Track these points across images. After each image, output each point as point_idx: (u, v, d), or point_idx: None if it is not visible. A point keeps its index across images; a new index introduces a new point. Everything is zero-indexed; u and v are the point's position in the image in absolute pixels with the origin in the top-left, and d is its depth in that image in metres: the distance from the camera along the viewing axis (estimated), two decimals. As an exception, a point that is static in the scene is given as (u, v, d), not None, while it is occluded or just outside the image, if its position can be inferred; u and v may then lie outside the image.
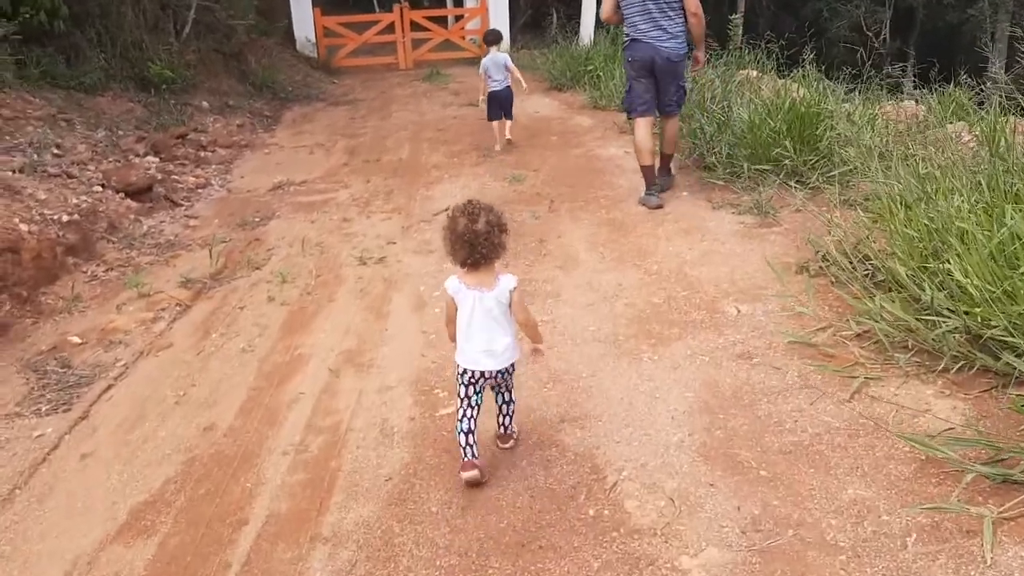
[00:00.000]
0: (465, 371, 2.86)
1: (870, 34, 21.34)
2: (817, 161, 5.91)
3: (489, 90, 8.49)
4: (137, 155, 8.01)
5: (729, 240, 5.12)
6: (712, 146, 6.64)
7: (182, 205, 7.05)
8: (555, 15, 21.16)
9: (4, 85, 7.97)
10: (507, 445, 3.12)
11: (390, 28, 17.61)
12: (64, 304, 4.83)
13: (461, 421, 2.88)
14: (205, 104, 11.21)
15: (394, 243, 5.77)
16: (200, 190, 7.62)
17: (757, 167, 6.03)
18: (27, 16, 8.63)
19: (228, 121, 10.73)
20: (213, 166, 8.59)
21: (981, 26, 20.23)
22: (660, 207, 5.90)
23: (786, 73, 12.07)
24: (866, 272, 4.11)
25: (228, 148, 9.43)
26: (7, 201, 5.32)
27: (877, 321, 3.54)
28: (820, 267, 4.41)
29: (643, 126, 5.96)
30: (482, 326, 2.81)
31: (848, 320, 3.74)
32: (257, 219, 6.59)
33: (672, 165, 6.60)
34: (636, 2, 5.67)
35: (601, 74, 11.75)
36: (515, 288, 2.81)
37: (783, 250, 4.85)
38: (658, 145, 6.41)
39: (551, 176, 7.27)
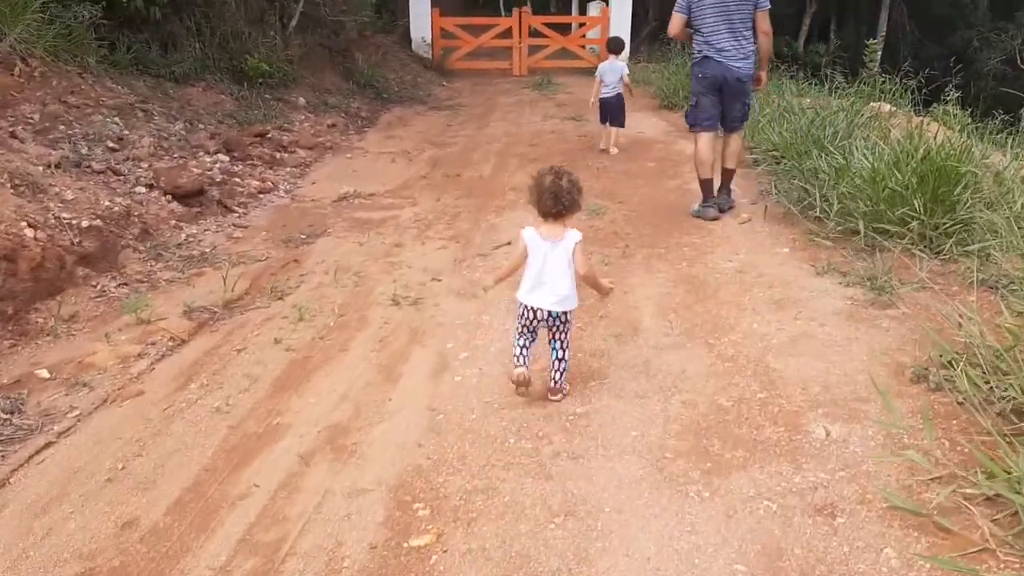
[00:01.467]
0: (527, 309, 3.28)
1: (1025, 68, 19.32)
2: (953, 227, 4.75)
3: (601, 95, 8.58)
4: (208, 152, 7.50)
5: (830, 321, 4.06)
6: (825, 194, 5.54)
7: (235, 212, 6.45)
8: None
9: (85, 71, 7.57)
10: (556, 398, 3.39)
11: (508, 33, 16.90)
12: (54, 325, 4.22)
13: (518, 341, 3.33)
14: (302, 101, 10.71)
15: (439, 279, 4.95)
16: (262, 196, 7.01)
17: (876, 226, 4.92)
18: (124, 2, 8.27)
19: (319, 120, 10.19)
20: (288, 168, 8.00)
21: None
22: (717, 219, 5.90)
23: (924, 110, 10.70)
24: (1006, 396, 3.01)
25: (310, 149, 8.85)
26: (23, 201, 4.78)
27: (1019, 490, 2.48)
28: (944, 377, 3.32)
29: (705, 140, 5.91)
30: (549, 273, 3.23)
31: (977, 472, 2.68)
32: (305, 235, 5.90)
33: (733, 187, 6.32)
34: (710, 19, 5.50)
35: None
36: (579, 241, 3.24)
37: (897, 343, 3.76)
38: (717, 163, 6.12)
39: (636, 210, 6.31)
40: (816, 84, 14.44)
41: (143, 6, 8.53)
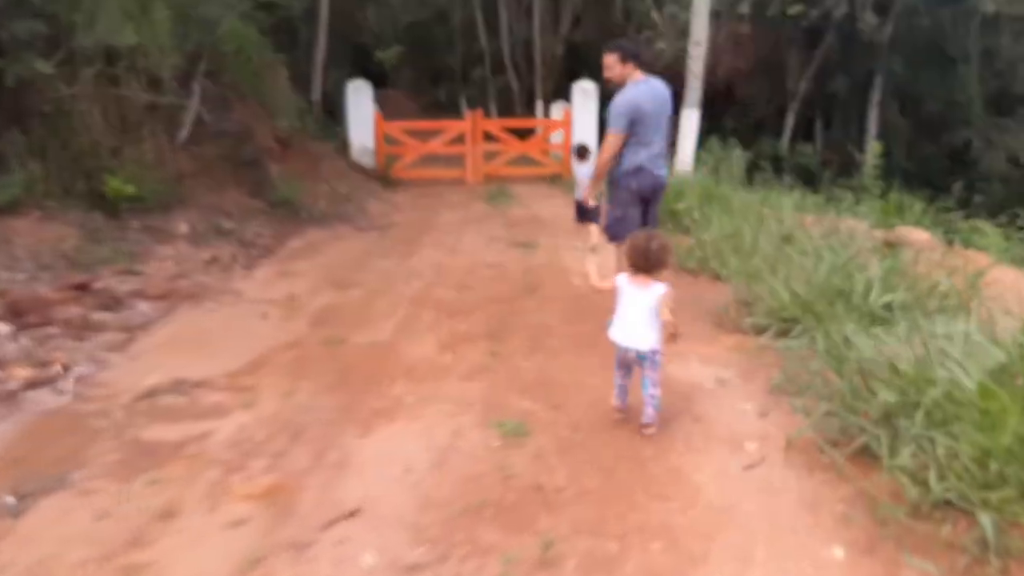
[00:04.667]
0: (617, 346, 3.81)
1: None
2: None
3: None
4: (-24, 321, 5.13)
5: None
6: (892, 422, 3.18)
7: (-50, 433, 4.02)
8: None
9: None
10: (648, 432, 3.80)
11: (462, 138, 14.89)
12: None
13: (617, 378, 3.93)
14: (184, 228, 8.42)
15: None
16: (29, 392, 4.61)
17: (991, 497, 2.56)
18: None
19: (196, 253, 7.87)
20: (105, 337, 5.59)
21: None
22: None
23: (951, 232, 8.65)
24: None
25: (160, 300, 6.47)
26: None
27: None
28: None
29: None
30: (635, 315, 3.75)
31: None
32: (26, 492, 3.47)
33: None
34: (651, 130, 5.24)
35: (697, 216, 8.48)
36: (664, 293, 3.72)
37: None
38: None
39: (579, 431, 3.93)
40: (807, 187, 12.41)
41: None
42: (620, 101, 5.12)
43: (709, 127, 15.05)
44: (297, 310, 6.41)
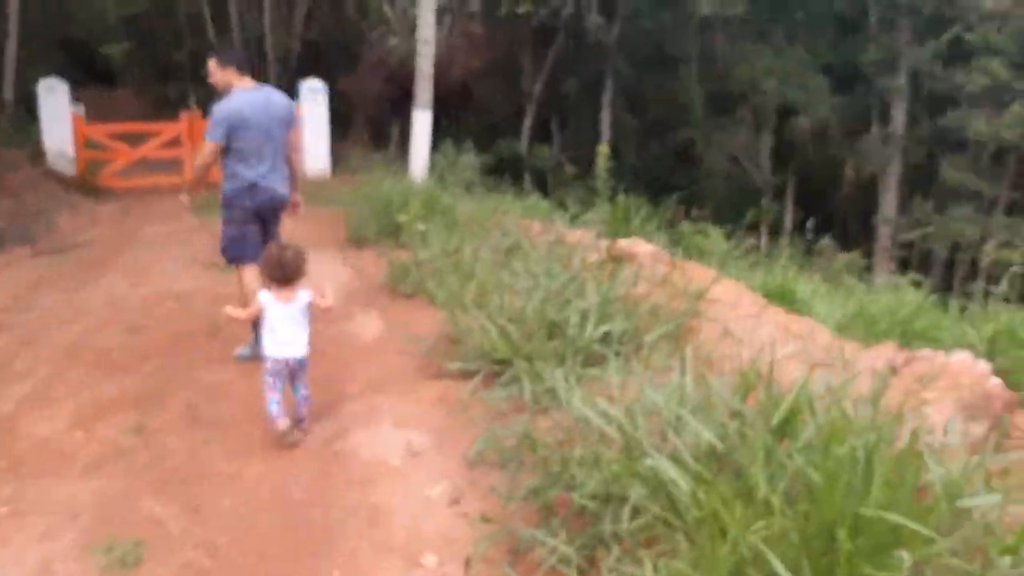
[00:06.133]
0: (276, 359, 3.75)
1: (748, 166, 18.55)
2: None
3: None
4: None
5: None
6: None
7: None
8: (397, 130, 17.38)
9: None
10: (303, 427, 3.81)
11: (179, 140, 13.18)
12: None
13: (271, 398, 3.73)
14: None
15: None
16: None
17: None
18: None
19: None
20: None
21: (870, 158, 17.61)
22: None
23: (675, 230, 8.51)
24: None
25: None
26: None
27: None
28: None
29: (253, 273, 4.85)
30: (289, 327, 3.75)
31: None
32: None
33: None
34: (256, 143, 4.80)
35: (423, 228, 7.64)
36: (310, 299, 3.81)
37: None
38: None
39: (213, 548, 2.90)
40: (545, 190, 12.09)
41: None
42: (219, 109, 4.79)
43: (447, 129, 14.44)
44: None
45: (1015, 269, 6.11)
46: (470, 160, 11.38)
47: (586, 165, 15.70)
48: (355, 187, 10.92)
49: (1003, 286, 5.51)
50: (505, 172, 15.97)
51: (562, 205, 9.25)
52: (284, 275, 3.76)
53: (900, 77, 17.75)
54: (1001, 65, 15.60)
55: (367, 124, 18.31)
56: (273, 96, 5.00)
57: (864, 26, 17.91)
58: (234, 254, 5.08)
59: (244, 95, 4.85)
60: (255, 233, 4.99)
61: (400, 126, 15.93)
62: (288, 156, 5.10)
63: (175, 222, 10.35)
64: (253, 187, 4.89)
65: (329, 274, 7.16)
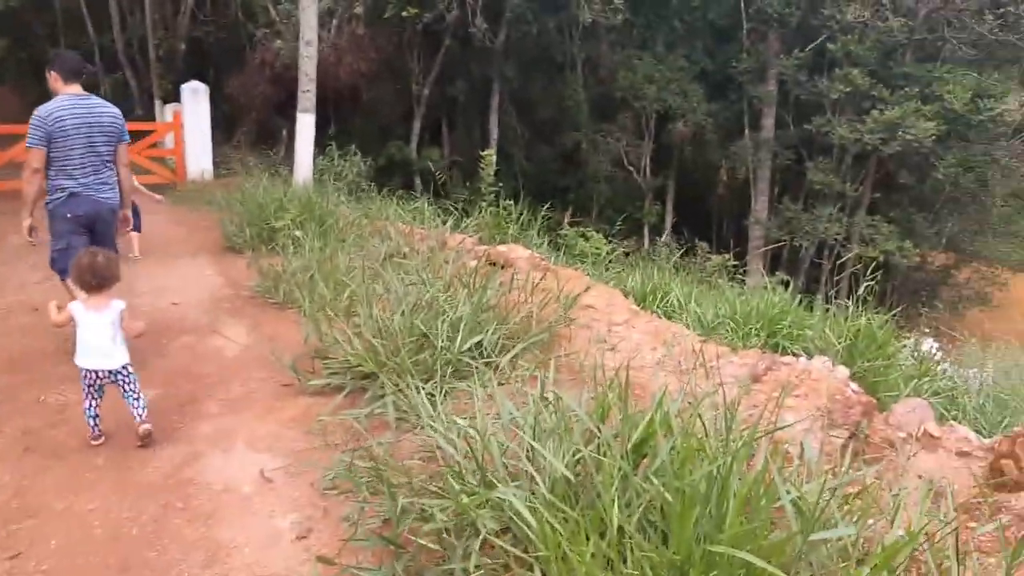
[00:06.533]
0: (86, 370, 3.60)
1: (631, 169, 18.81)
2: None
3: None
4: None
5: None
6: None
7: None
8: (286, 133, 16.77)
9: None
10: (147, 427, 3.64)
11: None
12: None
13: (86, 409, 3.65)
14: None
15: None
16: None
17: None
18: None
19: None
20: None
21: (743, 162, 18.14)
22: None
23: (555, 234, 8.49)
24: None
25: None
26: None
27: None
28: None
29: None
30: (98, 337, 3.59)
31: None
32: None
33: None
34: (78, 151, 4.74)
35: (299, 234, 7.33)
36: (123, 308, 3.66)
37: None
38: None
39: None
40: (434, 193, 11.87)
41: None
42: (36, 114, 4.68)
43: (336, 132, 14.04)
44: None
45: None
46: (357, 163, 11.05)
47: (476, 168, 15.60)
48: (234, 190, 10.45)
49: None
50: (395, 175, 15.67)
51: (448, 209, 9.08)
52: (95, 281, 3.61)
53: (770, 85, 18.49)
54: (861, 74, 16.43)
55: (254, 126, 17.67)
56: (99, 106, 4.90)
57: (738, 36, 18.48)
58: (61, 266, 4.93)
59: (63, 101, 4.73)
60: (84, 244, 4.78)
61: (288, 129, 15.42)
62: (117, 171, 5.02)
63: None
64: (74, 196, 4.80)
65: (199, 282, 6.78)
